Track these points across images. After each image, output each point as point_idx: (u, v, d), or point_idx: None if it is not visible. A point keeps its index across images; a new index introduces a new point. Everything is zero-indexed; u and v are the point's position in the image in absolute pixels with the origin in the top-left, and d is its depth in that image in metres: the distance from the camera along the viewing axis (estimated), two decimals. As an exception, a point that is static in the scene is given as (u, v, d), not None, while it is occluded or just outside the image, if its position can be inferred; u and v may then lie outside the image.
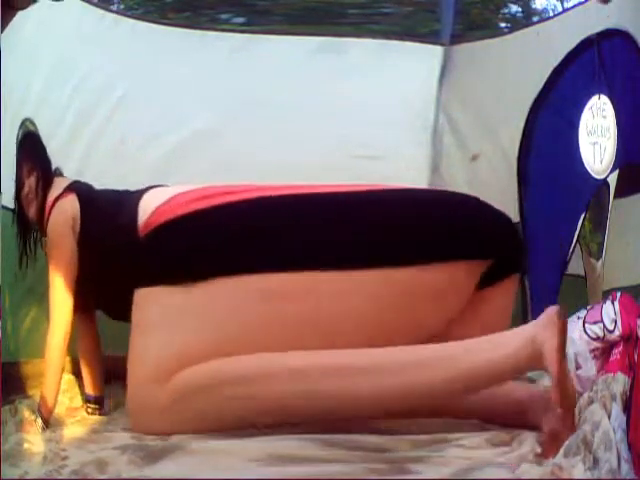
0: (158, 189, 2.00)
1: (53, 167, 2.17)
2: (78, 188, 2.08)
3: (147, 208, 1.91)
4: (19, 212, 2.13)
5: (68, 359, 2.31)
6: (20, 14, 2.23)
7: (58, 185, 2.09)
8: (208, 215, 1.83)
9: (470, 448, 1.47)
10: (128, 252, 1.90)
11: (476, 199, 1.89)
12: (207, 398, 1.65)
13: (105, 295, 2.05)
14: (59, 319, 1.93)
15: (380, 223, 1.76)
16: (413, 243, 1.74)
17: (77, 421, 2.02)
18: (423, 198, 1.93)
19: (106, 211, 2.01)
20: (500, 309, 1.87)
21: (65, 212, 2.01)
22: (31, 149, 2.17)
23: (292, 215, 1.81)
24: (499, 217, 1.89)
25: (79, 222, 1.99)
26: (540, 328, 1.53)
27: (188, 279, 1.77)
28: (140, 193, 1.99)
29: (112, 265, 1.95)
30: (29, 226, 2.12)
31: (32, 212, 2.10)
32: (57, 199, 2.04)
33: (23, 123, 2.20)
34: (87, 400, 2.16)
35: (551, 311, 1.56)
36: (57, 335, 1.92)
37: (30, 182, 2.10)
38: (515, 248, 1.88)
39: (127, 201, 1.99)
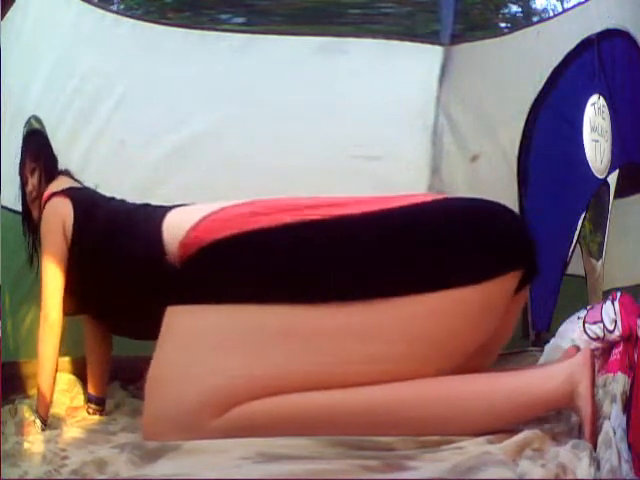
0: (188, 207, 1.92)
1: (61, 167, 2.16)
2: (76, 196, 2.03)
3: (182, 225, 1.80)
4: (25, 210, 2.14)
5: (68, 359, 2.32)
6: (19, 12, 2.23)
7: (59, 183, 2.08)
8: (274, 233, 1.71)
9: (469, 446, 1.46)
10: (151, 268, 1.83)
11: (508, 208, 1.85)
12: (270, 430, 1.55)
13: (101, 307, 2.03)
14: (50, 315, 1.91)
15: (443, 242, 1.67)
16: (478, 261, 1.67)
17: (77, 421, 2.02)
18: (471, 210, 1.80)
19: (109, 225, 1.96)
20: (513, 317, 1.86)
21: (57, 211, 1.99)
22: (35, 147, 2.17)
23: (353, 240, 1.70)
24: (524, 222, 1.88)
25: (71, 230, 1.95)
26: (577, 367, 1.57)
27: (256, 300, 1.65)
28: (164, 209, 1.91)
29: (116, 279, 1.91)
30: (35, 224, 2.11)
31: (35, 210, 2.10)
32: (53, 195, 2.02)
33: (28, 121, 2.20)
34: (89, 400, 2.15)
35: (586, 352, 1.61)
36: (48, 331, 1.90)
37: (33, 181, 2.11)
38: (535, 256, 1.85)
39: (143, 215, 1.94)
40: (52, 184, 2.09)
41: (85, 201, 2.04)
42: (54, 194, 2.03)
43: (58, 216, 1.98)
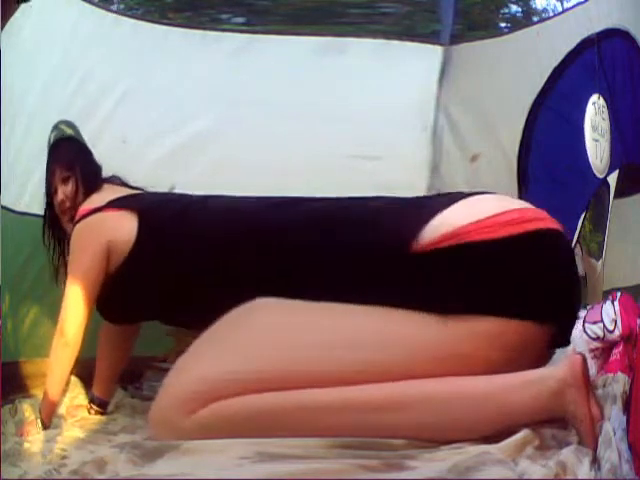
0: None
1: (107, 174, 2.08)
2: (136, 203, 1.90)
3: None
4: (52, 218, 2.05)
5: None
6: (20, 14, 2.23)
7: (105, 196, 1.95)
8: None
9: (468, 445, 1.46)
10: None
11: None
12: (248, 430, 1.52)
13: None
14: (66, 333, 1.83)
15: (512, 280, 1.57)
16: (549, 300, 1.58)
17: (77, 421, 2.02)
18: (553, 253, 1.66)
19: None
20: None
21: (99, 229, 1.86)
22: (68, 154, 2.07)
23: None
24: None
25: (132, 243, 1.82)
26: (564, 384, 1.45)
27: None
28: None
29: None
30: (64, 235, 2.02)
31: (68, 222, 2.00)
32: (95, 211, 1.89)
33: (57, 126, 2.13)
34: (92, 400, 2.13)
35: (575, 364, 1.47)
36: (62, 348, 1.84)
37: (66, 190, 2.00)
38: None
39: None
40: (94, 196, 1.97)
41: (158, 206, 1.92)
42: (97, 209, 1.90)
43: (100, 234, 1.85)
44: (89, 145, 2.26)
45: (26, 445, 1.68)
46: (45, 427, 1.85)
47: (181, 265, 1.81)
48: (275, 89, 2.76)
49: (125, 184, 2.09)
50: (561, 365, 1.51)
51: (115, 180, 2.09)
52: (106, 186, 2.04)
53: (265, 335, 1.62)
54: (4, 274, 2.07)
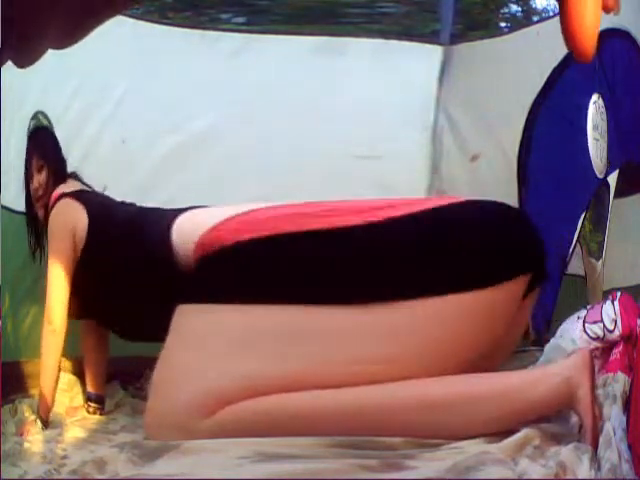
0: (204, 209, 1.89)
1: (70, 170, 2.17)
2: (89, 200, 2.02)
3: (200, 225, 1.78)
4: (28, 206, 2.13)
5: (68, 359, 2.32)
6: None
7: (69, 186, 2.07)
8: (298, 238, 1.69)
9: (468, 445, 1.46)
10: (157, 269, 1.83)
11: (517, 209, 1.81)
12: (260, 430, 1.53)
13: (114, 313, 2.03)
14: (53, 319, 1.91)
15: (452, 246, 1.65)
16: (487, 265, 1.65)
17: (77, 421, 2.02)
18: (480, 214, 1.77)
19: (126, 229, 1.95)
20: (523, 320, 1.86)
21: (67, 216, 1.98)
22: (43, 144, 2.16)
23: (370, 247, 1.68)
24: (533, 226, 1.84)
25: (84, 235, 1.94)
26: (575, 371, 1.52)
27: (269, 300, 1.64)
28: (174, 212, 1.88)
29: (126, 282, 1.91)
30: (39, 221, 2.12)
31: (40, 208, 2.09)
32: (64, 196, 2.01)
33: (35, 115, 2.20)
34: (88, 398, 2.16)
35: (585, 354, 1.56)
36: (50, 335, 1.90)
37: (40, 178, 2.09)
38: (544, 259, 1.83)
39: (152, 218, 1.92)
40: (62, 186, 2.07)
41: (99, 206, 2.03)
42: (65, 194, 2.01)
43: (68, 221, 1.96)
44: (89, 146, 2.27)
45: (26, 445, 1.68)
46: (44, 424, 1.86)
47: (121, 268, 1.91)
48: (275, 89, 2.76)
49: (81, 180, 2.18)
50: (571, 357, 1.59)
51: (75, 176, 2.18)
52: (69, 180, 2.14)
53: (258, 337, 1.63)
54: (4, 274, 2.07)
